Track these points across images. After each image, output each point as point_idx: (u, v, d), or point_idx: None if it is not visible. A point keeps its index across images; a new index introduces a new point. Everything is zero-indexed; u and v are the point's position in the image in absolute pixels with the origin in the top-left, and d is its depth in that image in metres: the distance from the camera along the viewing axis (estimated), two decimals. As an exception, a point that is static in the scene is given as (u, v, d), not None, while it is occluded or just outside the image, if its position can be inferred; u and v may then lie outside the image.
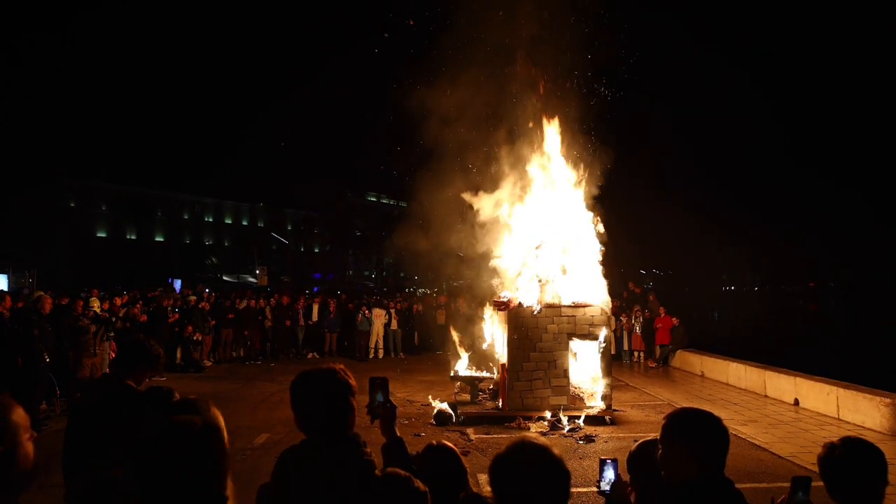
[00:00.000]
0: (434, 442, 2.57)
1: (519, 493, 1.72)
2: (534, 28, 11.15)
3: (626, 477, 2.37)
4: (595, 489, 2.36)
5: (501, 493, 1.75)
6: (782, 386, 11.27)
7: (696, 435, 1.99)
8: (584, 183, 11.11)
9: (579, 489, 6.32)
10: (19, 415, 1.49)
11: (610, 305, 10.63)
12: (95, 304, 11.29)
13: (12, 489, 1.45)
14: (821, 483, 2.09)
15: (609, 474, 2.29)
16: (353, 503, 1.81)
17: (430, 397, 10.33)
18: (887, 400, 8.81)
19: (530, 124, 11.43)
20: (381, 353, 17.51)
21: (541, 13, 11.06)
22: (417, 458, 2.38)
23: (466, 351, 11.82)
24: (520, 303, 10.18)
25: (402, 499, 1.83)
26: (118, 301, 13.87)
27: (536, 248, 10.73)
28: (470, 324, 13.05)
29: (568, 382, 9.85)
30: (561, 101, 11.25)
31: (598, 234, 10.88)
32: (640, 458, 2.32)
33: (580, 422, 9.20)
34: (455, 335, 12.23)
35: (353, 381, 2.00)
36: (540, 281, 10.37)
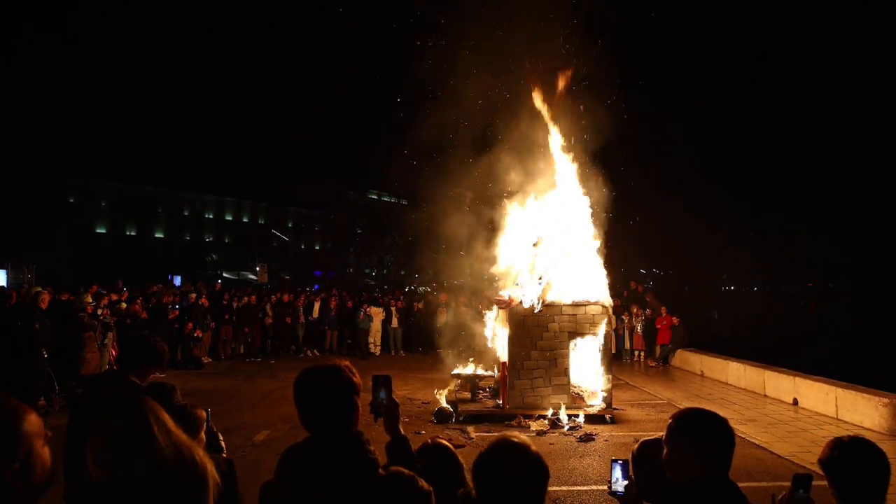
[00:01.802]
0: (429, 440, 2.57)
1: (498, 490, 1.79)
2: (537, 27, 11.15)
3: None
4: (595, 487, 2.36)
5: (482, 489, 1.83)
6: (781, 385, 11.29)
7: (702, 436, 1.98)
8: (586, 181, 11.11)
9: (579, 487, 6.33)
10: (31, 422, 1.35)
11: (611, 304, 10.63)
12: (88, 299, 11.26)
13: (29, 501, 1.34)
14: (821, 482, 2.10)
15: (619, 474, 2.29)
16: (356, 502, 1.82)
17: (436, 393, 10.32)
18: (885, 400, 8.82)
19: (533, 122, 11.42)
20: (377, 350, 17.57)
21: (544, 14, 11.06)
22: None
23: (467, 349, 11.83)
24: (520, 301, 10.19)
25: (405, 498, 1.83)
26: (114, 297, 13.85)
27: (534, 244, 10.75)
28: (471, 322, 13.05)
29: (568, 381, 9.86)
30: (564, 99, 11.24)
31: (600, 233, 10.89)
32: (642, 458, 2.32)
33: (580, 420, 9.22)
34: (456, 333, 12.24)
35: (357, 379, 2.00)
36: (541, 279, 10.38)
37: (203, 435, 2.80)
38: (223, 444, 3.16)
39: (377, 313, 17.60)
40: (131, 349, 3.44)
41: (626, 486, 2.27)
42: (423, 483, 1.87)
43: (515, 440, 1.85)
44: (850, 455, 2.02)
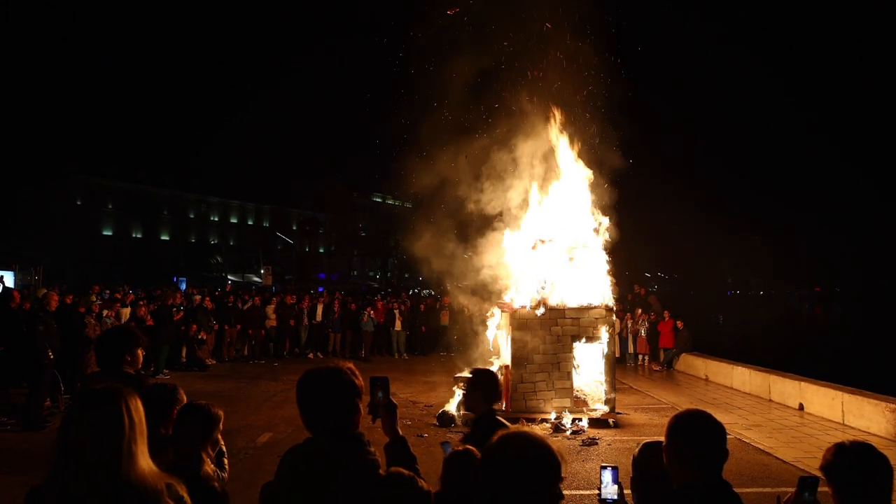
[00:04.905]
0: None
1: (500, 481, 1.71)
2: (544, 19, 11.12)
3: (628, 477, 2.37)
4: (598, 491, 2.35)
5: (485, 479, 1.74)
6: (787, 390, 11.22)
7: (693, 436, 1.98)
8: (591, 184, 11.08)
9: (582, 491, 6.31)
10: None
11: (614, 308, 10.59)
12: (94, 298, 11.32)
13: None
14: (826, 487, 2.08)
15: (609, 480, 2.28)
16: (357, 502, 1.82)
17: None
18: (893, 405, 8.75)
19: (538, 121, 11.40)
20: (373, 351, 17.53)
21: (551, 4, 11.03)
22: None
23: (470, 352, 11.81)
24: (523, 305, 10.17)
25: (405, 498, 1.83)
26: (118, 297, 13.92)
27: (533, 247, 10.72)
28: (474, 325, 13.03)
29: (571, 385, 9.82)
30: (570, 101, 11.23)
31: (604, 236, 10.86)
32: (643, 459, 2.31)
33: (584, 424, 9.17)
34: (459, 336, 12.22)
35: (360, 381, 2.00)
36: (544, 283, 10.36)
37: (219, 435, 2.82)
38: (224, 447, 3.16)
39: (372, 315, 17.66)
40: (110, 345, 3.43)
41: (617, 492, 2.26)
42: (422, 483, 1.87)
43: (526, 432, 1.79)
44: (851, 460, 1.99)
